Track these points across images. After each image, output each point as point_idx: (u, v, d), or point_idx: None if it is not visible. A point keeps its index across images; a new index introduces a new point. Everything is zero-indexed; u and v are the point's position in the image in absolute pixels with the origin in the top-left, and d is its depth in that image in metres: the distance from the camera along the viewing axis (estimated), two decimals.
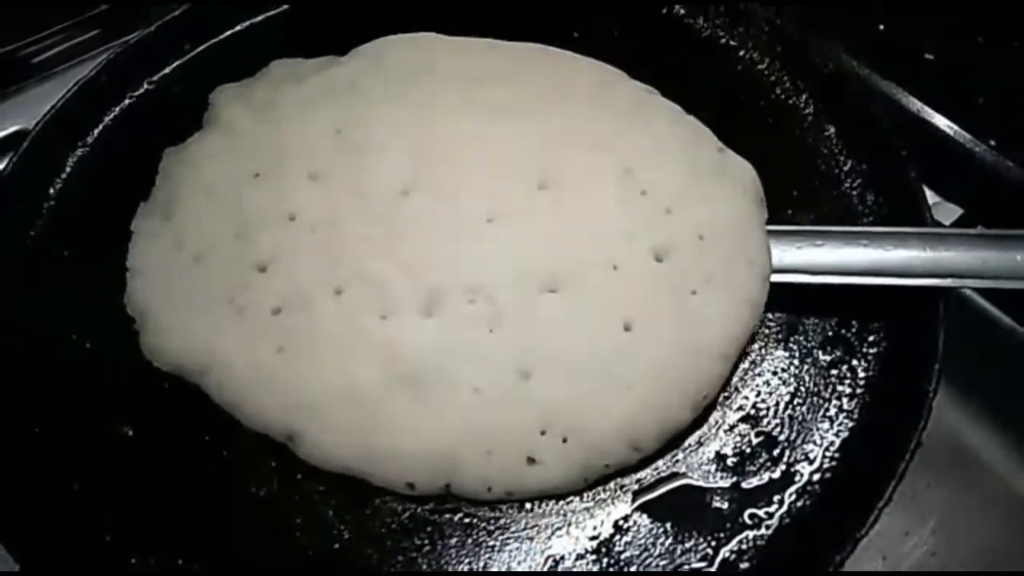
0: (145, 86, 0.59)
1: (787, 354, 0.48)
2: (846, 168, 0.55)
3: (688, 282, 0.46)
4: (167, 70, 0.59)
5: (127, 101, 0.58)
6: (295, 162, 0.50)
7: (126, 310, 0.47)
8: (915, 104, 0.62)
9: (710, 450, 0.44)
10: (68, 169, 0.55)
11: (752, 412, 0.45)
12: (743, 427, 0.45)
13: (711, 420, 0.45)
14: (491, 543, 0.42)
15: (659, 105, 0.55)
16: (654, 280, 0.46)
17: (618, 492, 0.43)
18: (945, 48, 0.68)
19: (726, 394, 0.46)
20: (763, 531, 0.42)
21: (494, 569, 0.41)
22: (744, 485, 0.43)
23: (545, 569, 0.41)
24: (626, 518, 0.42)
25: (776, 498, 0.43)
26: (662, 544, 0.41)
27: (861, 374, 0.47)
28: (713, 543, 0.41)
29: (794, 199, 0.53)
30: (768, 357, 0.47)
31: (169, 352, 0.45)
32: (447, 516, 0.42)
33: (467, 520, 0.42)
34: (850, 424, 0.45)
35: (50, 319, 0.48)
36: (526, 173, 0.49)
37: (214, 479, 0.43)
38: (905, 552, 0.50)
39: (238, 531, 0.42)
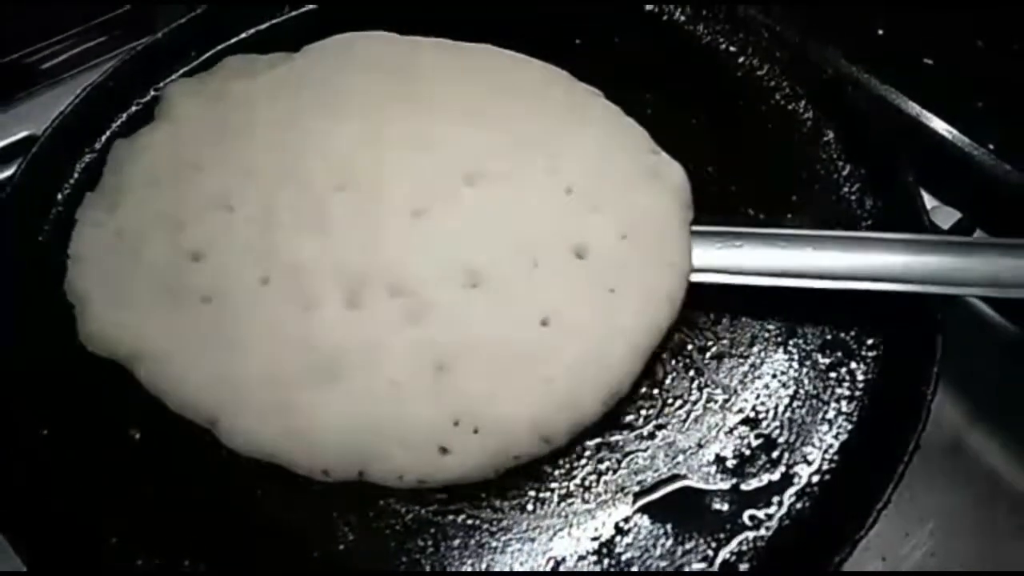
0: (152, 93, 0.59)
1: (786, 357, 0.48)
2: (845, 173, 0.55)
3: (607, 280, 0.47)
4: (174, 77, 0.60)
5: (134, 108, 0.59)
6: (235, 155, 0.52)
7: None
8: (914, 108, 0.62)
9: (710, 452, 0.45)
10: (76, 175, 0.55)
11: (752, 415, 0.46)
12: (743, 429, 0.45)
13: (711, 422, 0.45)
14: (493, 544, 0.42)
15: (598, 106, 0.55)
16: (573, 277, 0.47)
17: (619, 494, 0.43)
18: (944, 52, 0.68)
19: (726, 396, 0.46)
20: (763, 532, 0.42)
21: (496, 570, 0.41)
22: (744, 487, 0.43)
23: (547, 570, 0.41)
24: (627, 519, 0.43)
25: (775, 500, 0.43)
26: (663, 545, 0.42)
27: (860, 377, 0.47)
28: (713, 544, 0.42)
29: (793, 204, 0.54)
30: (768, 360, 0.48)
31: (102, 339, 0.46)
32: (450, 518, 0.43)
33: (470, 522, 0.43)
34: (849, 426, 0.45)
35: (57, 323, 0.48)
36: (454, 169, 0.51)
37: (220, 481, 0.44)
38: (904, 553, 0.50)
39: (243, 533, 0.43)
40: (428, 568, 0.41)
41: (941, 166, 0.60)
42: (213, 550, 0.42)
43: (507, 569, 0.41)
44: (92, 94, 0.57)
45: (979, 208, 0.59)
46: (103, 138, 0.57)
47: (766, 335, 0.49)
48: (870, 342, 0.48)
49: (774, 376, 0.47)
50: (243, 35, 0.63)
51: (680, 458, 0.44)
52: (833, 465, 0.44)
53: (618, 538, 0.42)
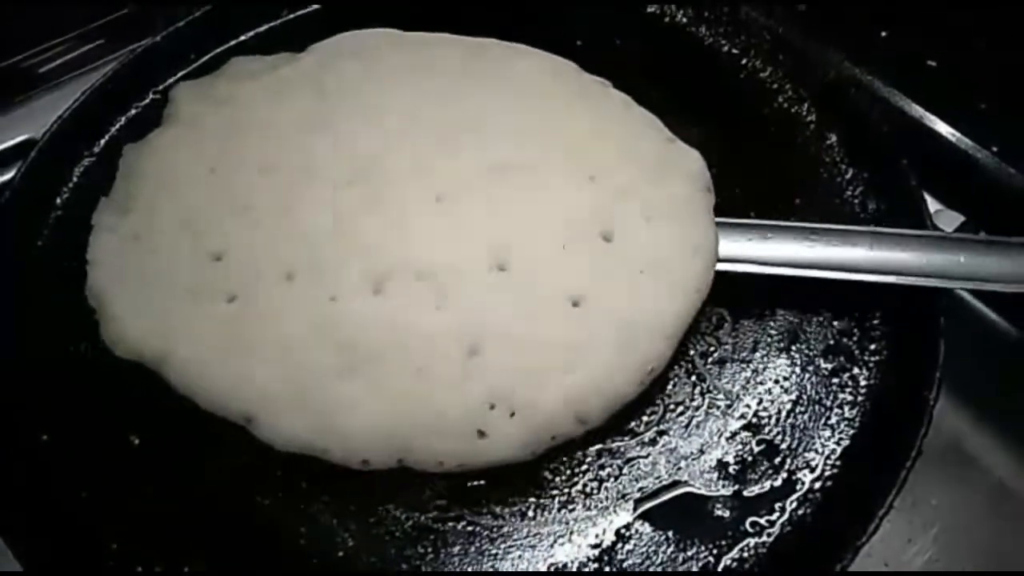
0: (151, 96, 0.59)
1: (789, 362, 0.48)
2: (848, 176, 0.55)
3: (636, 262, 0.47)
4: (172, 80, 0.60)
5: (133, 111, 0.59)
6: (248, 154, 0.52)
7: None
8: (917, 111, 0.62)
9: (712, 458, 0.44)
10: (75, 179, 0.55)
11: (754, 420, 0.46)
12: (745, 435, 0.45)
13: (713, 428, 0.45)
14: (493, 551, 0.42)
15: (610, 95, 0.56)
16: (602, 259, 0.47)
17: (620, 500, 0.43)
18: (947, 55, 0.68)
19: (728, 402, 0.46)
20: (765, 539, 0.42)
21: None
22: (746, 493, 0.43)
23: None
24: (628, 526, 0.42)
25: (778, 506, 0.43)
26: (664, 552, 0.42)
27: (862, 382, 0.47)
28: (715, 551, 0.42)
29: (796, 207, 0.54)
30: (770, 365, 0.48)
31: (127, 340, 0.46)
32: (450, 524, 0.43)
33: (470, 528, 0.42)
34: (851, 432, 0.45)
35: (56, 328, 0.48)
36: (475, 155, 0.51)
37: (219, 488, 0.44)
38: (908, 559, 0.50)
39: (243, 539, 0.42)
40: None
41: (944, 169, 0.60)
42: (213, 556, 0.42)
43: None
44: (91, 97, 0.57)
45: (982, 211, 0.58)
46: (102, 142, 0.57)
47: (768, 340, 0.48)
48: (872, 347, 0.48)
49: (776, 381, 0.47)
50: (243, 37, 0.63)
51: (682, 464, 0.44)
52: (835, 471, 0.44)
53: (619, 545, 0.42)
